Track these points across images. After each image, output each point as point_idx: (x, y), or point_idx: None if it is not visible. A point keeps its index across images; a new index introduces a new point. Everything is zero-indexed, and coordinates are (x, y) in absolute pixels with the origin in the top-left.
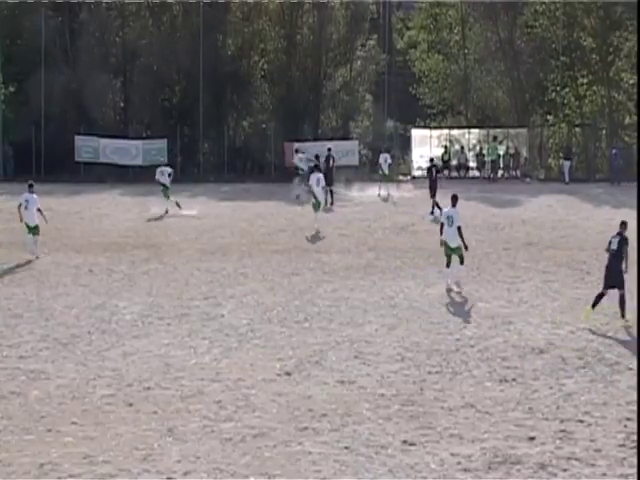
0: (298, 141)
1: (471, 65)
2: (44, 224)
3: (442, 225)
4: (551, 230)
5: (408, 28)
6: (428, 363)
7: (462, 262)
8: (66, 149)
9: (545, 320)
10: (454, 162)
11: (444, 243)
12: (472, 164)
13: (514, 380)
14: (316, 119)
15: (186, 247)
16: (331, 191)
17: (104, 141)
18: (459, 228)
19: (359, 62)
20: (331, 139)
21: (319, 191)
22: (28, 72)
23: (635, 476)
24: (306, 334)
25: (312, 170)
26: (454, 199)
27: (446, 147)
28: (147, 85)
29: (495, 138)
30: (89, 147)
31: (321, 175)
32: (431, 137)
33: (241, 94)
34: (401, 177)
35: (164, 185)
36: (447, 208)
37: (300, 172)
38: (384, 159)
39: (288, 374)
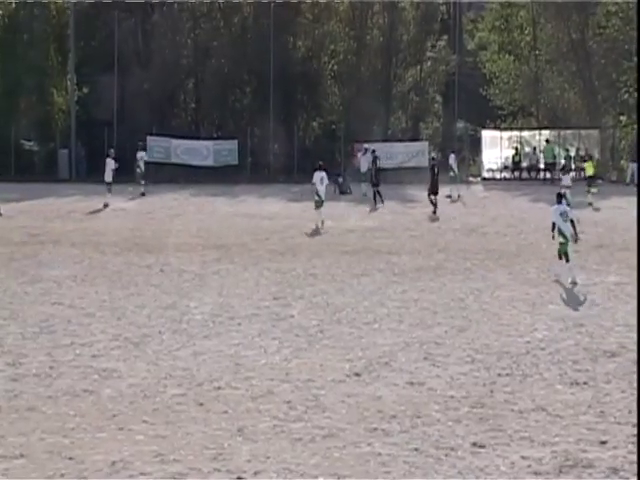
0: (367, 142)
1: (542, 66)
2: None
3: (553, 224)
4: (623, 232)
5: (478, 29)
6: (498, 365)
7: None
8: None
9: (617, 323)
10: (525, 164)
11: (563, 238)
12: (542, 165)
13: (585, 383)
14: (386, 120)
15: (256, 247)
16: (378, 192)
17: (176, 142)
18: (572, 221)
19: (429, 63)
20: (400, 140)
21: (322, 189)
22: (101, 73)
23: None
24: (375, 335)
25: (316, 169)
26: (559, 196)
27: (517, 149)
28: (218, 86)
29: (547, 141)
30: (161, 147)
31: (324, 174)
32: (501, 138)
33: (311, 95)
34: (471, 178)
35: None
36: (556, 206)
37: (362, 172)
38: (453, 159)
39: (357, 375)
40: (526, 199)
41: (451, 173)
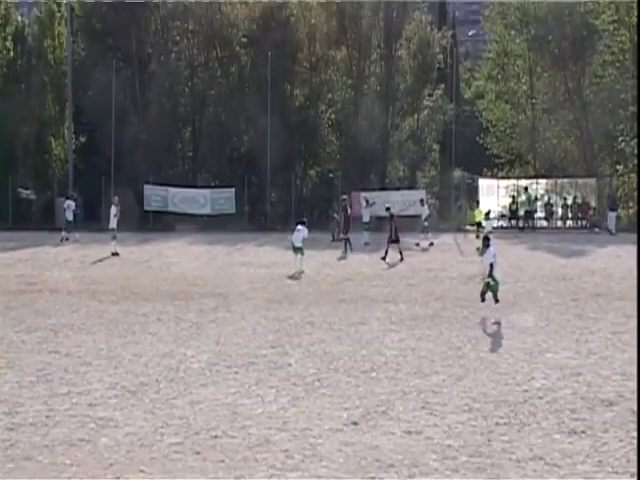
0: (365, 190)
1: (539, 115)
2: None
3: (491, 265)
4: (620, 281)
5: (475, 78)
6: (496, 414)
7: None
8: (136, 198)
9: (615, 372)
10: (521, 212)
11: (493, 280)
12: (540, 214)
13: (583, 432)
14: (383, 168)
15: (253, 296)
16: (347, 239)
17: (173, 190)
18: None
19: (426, 112)
20: (397, 189)
21: (295, 236)
22: (99, 122)
23: None
24: (373, 384)
25: (297, 223)
26: (486, 240)
27: (514, 197)
28: (215, 135)
29: (526, 189)
30: (158, 196)
31: (301, 227)
32: (498, 187)
33: (308, 143)
34: (468, 227)
35: (67, 219)
36: (491, 248)
37: (364, 221)
38: (425, 209)
39: (355, 424)
40: (523, 247)
41: (425, 223)
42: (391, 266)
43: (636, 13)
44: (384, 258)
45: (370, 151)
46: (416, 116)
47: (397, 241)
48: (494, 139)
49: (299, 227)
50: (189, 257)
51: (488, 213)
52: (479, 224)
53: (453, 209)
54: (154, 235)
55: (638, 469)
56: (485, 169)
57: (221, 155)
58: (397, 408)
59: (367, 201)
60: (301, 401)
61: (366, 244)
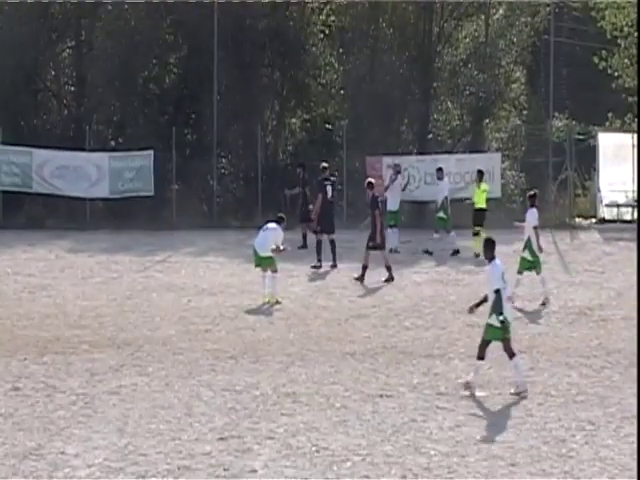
0: (388, 155)
1: None
2: None
3: (498, 293)
4: None
5: None
6: None
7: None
8: None
9: None
10: None
11: (501, 323)
12: None
13: None
14: (423, 114)
15: (187, 346)
16: (332, 242)
17: (40, 154)
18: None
19: (501, 11)
20: (449, 152)
21: (258, 241)
22: None
23: None
24: None
25: (268, 221)
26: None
27: None
28: (117, 53)
29: None
30: (14, 165)
31: (274, 227)
32: (634, 147)
33: (287, 68)
34: (580, 220)
35: None
36: (497, 261)
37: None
38: (445, 186)
39: None
40: None
41: (440, 213)
42: (389, 294)
43: None
44: (360, 278)
45: (398, 82)
46: (483, 18)
47: (381, 246)
48: (626, 60)
49: (269, 225)
50: (71, 276)
51: (533, 196)
52: (479, 213)
53: (551, 188)
54: (7, 236)
55: (638, 469)
56: (610, 115)
57: (128, 90)
58: None
59: (398, 171)
60: None
61: (394, 251)
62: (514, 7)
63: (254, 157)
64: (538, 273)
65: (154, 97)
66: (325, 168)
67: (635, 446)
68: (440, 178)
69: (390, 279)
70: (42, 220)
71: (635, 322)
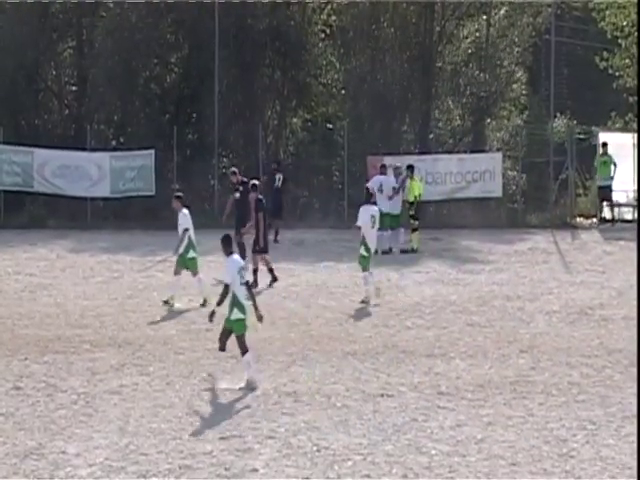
0: (389, 154)
1: None
2: None
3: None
4: None
5: None
6: None
7: None
8: None
9: None
10: None
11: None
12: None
13: None
14: (424, 114)
15: (189, 345)
16: (276, 231)
17: (41, 153)
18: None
19: (502, 11)
20: (450, 151)
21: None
22: None
23: None
24: None
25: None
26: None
27: None
28: (119, 52)
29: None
30: (15, 164)
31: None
32: (634, 146)
33: (289, 68)
34: (580, 219)
35: None
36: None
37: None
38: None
39: None
40: None
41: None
42: (390, 294)
43: None
44: (254, 283)
45: (399, 81)
46: (484, 18)
47: (265, 249)
48: (627, 60)
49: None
50: (72, 276)
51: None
52: (412, 207)
53: (552, 188)
54: (8, 236)
55: (638, 469)
56: (612, 114)
57: (129, 89)
58: None
59: (399, 173)
60: None
61: (403, 251)
62: (515, 7)
63: (255, 157)
64: None
65: (155, 97)
66: (276, 168)
67: (636, 445)
68: (396, 174)
69: (274, 280)
70: (43, 220)
71: (636, 322)
